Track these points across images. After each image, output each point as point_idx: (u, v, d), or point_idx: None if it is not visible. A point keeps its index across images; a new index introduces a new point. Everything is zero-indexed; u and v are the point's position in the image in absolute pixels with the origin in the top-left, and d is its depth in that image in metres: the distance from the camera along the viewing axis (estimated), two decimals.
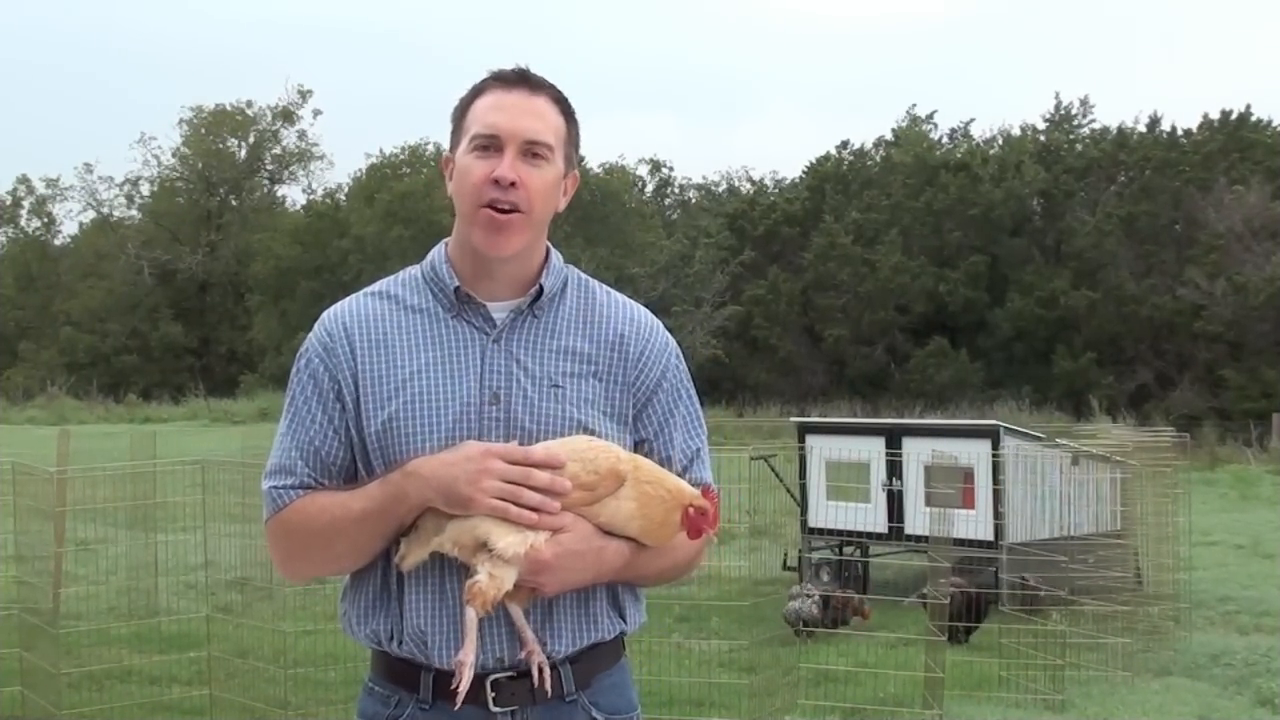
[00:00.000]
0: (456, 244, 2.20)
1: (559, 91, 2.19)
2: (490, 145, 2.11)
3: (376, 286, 2.23)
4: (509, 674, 2.09)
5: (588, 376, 2.16)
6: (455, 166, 2.17)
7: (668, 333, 2.28)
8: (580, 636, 2.14)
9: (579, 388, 2.14)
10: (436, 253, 2.22)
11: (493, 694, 2.08)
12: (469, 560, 2.02)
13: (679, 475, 2.16)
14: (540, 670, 2.07)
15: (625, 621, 2.21)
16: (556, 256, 2.23)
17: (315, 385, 2.16)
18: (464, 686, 2.00)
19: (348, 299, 2.23)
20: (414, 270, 2.23)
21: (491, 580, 1.99)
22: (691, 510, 2.08)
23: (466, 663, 2.00)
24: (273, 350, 41.18)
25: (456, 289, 2.15)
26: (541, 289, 2.16)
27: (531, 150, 2.11)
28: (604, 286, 2.28)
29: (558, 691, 2.11)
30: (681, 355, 2.29)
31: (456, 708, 2.03)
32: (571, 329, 2.18)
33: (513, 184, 2.09)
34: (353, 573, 2.18)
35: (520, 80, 2.16)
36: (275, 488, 2.15)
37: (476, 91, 2.17)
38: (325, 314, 2.21)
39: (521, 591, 2.04)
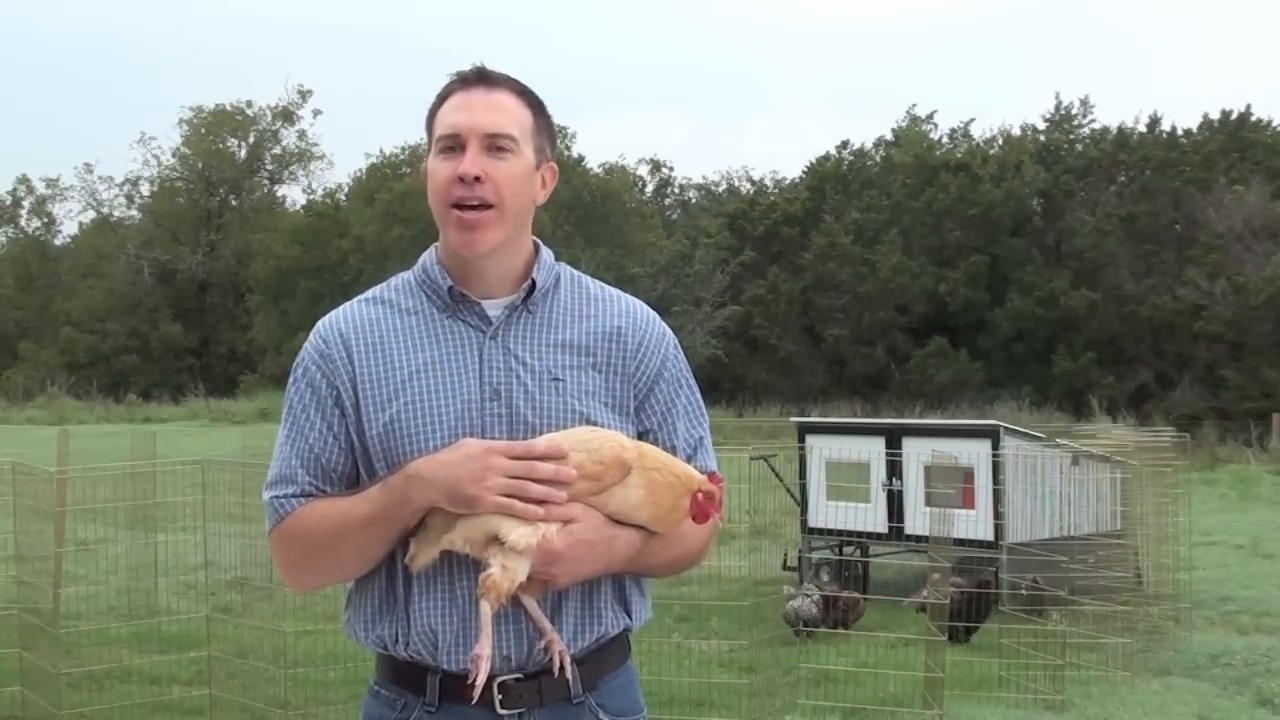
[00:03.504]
0: (443, 247, 2.20)
1: (520, 84, 2.19)
2: (454, 145, 2.12)
3: (368, 293, 2.23)
4: (516, 676, 2.09)
5: (587, 369, 2.16)
6: (427, 172, 2.18)
7: (664, 324, 2.28)
8: (586, 630, 2.13)
9: (579, 380, 2.14)
10: (427, 256, 2.22)
11: (500, 696, 2.08)
12: (480, 555, 2.02)
13: None
14: (561, 659, 2.07)
15: (630, 617, 2.21)
16: (547, 253, 2.23)
17: (313, 393, 2.15)
18: (481, 680, 1.99)
19: (341, 307, 2.23)
20: (405, 275, 2.24)
21: (505, 572, 1.98)
22: (699, 495, 2.09)
23: (484, 656, 2.00)
24: (273, 350, 41.19)
25: (450, 288, 2.15)
26: (534, 284, 2.16)
27: (494, 143, 2.11)
28: (597, 281, 2.27)
29: (565, 693, 2.11)
30: (679, 346, 2.29)
31: (474, 702, 2.03)
32: (567, 323, 2.18)
33: (477, 179, 2.09)
34: (357, 579, 2.17)
35: (479, 78, 2.16)
36: (277, 497, 2.14)
37: (440, 98, 2.18)
38: (320, 323, 2.21)
39: (534, 584, 2.03)
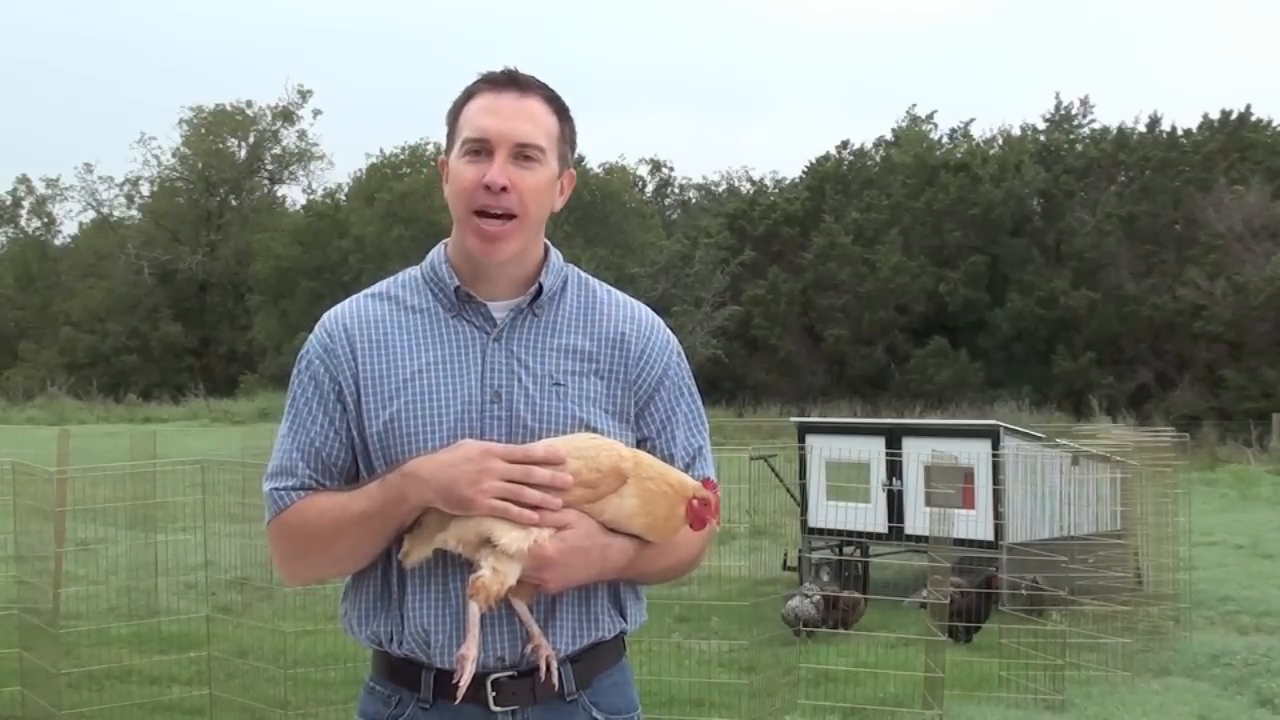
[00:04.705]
0: (455, 246, 2.20)
1: (550, 91, 2.19)
2: (481, 149, 2.11)
3: (376, 288, 2.23)
4: (509, 674, 2.10)
5: (589, 374, 2.16)
6: (449, 171, 2.17)
7: (669, 331, 2.28)
8: (581, 634, 2.14)
9: (581, 385, 2.14)
10: (436, 253, 2.22)
11: (493, 693, 2.08)
12: (473, 556, 2.02)
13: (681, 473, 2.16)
14: (548, 663, 2.08)
15: (626, 620, 2.21)
16: (556, 255, 2.23)
17: (316, 386, 2.16)
18: (465, 681, 2.00)
19: (347, 300, 2.22)
20: (413, 271, 2.23)
21: (495, 575, 1.99)
22: (695, 501, 2.09)
23: (469, 657, 2.00)
24: (273, 350, 41.21)
25: (456, 289, 2.15)
26: (541, 287, 2.16)
27: (523, 153, 2.11)
28: (604, 285, 2.27)
29: (558, 691, 2.11)
30: (683, 353, 2.29)
31: (456, 702, 2.03)
32: (572, 327, 2.18)
33: (504, 188, 2.08)
34: (354, 574, 2.18)
35: (510, 82, 2.15)
36: (276, 489, 2.15)
37: (468, 95, 2.17)
38: (325, 316, 2.22)
39: (525, 587, 2.04)
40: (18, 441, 17.78)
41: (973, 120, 51.78)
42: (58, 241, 52.99)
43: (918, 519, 9.75)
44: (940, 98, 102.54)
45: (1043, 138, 41.15)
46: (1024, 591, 8.36)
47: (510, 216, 2.10)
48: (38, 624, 6.46)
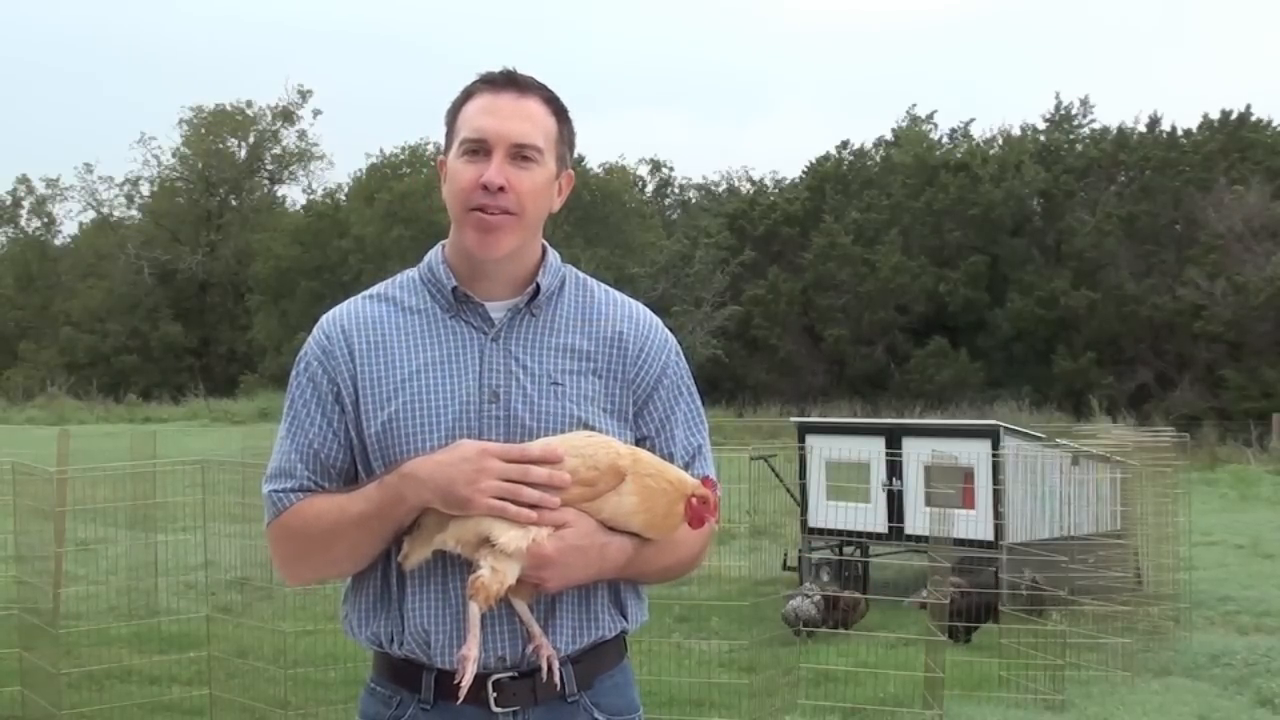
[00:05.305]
0: (453, 246, 2.20)
1: (549, 91, 2.19)
2: (479, 149, 2.11)
3: (374, 290, 2.24)
4: (511, 674, 2.10)
5: (587, 373, 2.16)
6: (447, 170, 2.18)
7: (667, 330, 2.28)
8: (581, 634, 2.14)
9: (579, 385, 2.15)
10: (433, 254, 2.23)
11: (494, 694, 2.09)
12: (472, 556, 2.02)
13: None
14: (549, 663, 2.08)
15: (626, 619, 2.21)
16: (554, 255, 2.23)
17: (314, 388, 2.16)
18: (467, 681, 2.00)
19: (345, 303, 2.23)
20: (411, 273, 2.24)
21: (494, 574, 1.99)
22: (694, 500, 2.09)
23: (470, 657, 2.01)
24: (273, 350, 41.20)
25: (454, 289, 2.16)
26: (539, 287, 2.17)
27: (520, 153, 2.11)
28: (602, 285, 2.28)
29: (559, 692, 2.12)
30: (681, 352, 2.29)
31: (459, 702, 2.03)
32: (570, 327, 2.18)
33: (501, 188, 2.09)
34: (354, 575, 2.18)
35: (509, 82, 2.16)
36: (275, 491, 2.16)
37: (466, 95, 2.17)
38: (323, 318, 2.22)
39: (525, 587, 2.04)
40: (18, 441, 17.78)
41: (973, 120, 51.93)
42: (58, 241, 53.04)
43: (918, 519, 9.75)
44: (940, 98, 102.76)
45: (1043, 138, 41.15)
46: (1024, 591, 8.36)
47: (508, 214, 2.11)
48: (38, 624, 6.46)
